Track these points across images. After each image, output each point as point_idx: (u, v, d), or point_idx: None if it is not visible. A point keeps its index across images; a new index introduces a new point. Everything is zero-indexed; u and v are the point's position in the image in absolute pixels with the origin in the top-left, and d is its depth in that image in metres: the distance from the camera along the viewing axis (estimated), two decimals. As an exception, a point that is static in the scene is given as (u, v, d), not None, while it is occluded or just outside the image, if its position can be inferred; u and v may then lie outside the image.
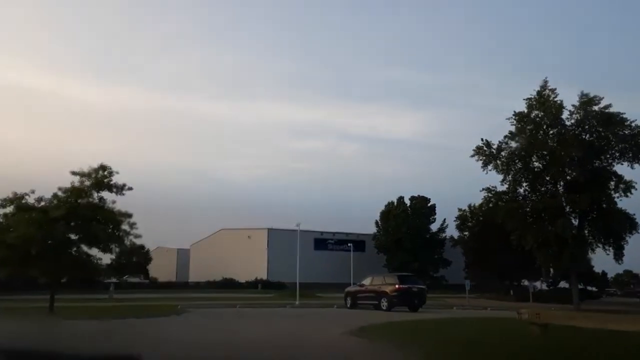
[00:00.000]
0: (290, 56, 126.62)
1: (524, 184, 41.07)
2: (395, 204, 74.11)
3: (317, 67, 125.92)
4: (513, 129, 41.45)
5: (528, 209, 39.89)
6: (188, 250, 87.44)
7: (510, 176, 41.10)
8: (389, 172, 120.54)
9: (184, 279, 79.98)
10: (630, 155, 39.14)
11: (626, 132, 38.91)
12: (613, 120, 39.22)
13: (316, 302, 37.15)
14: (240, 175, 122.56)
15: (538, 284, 59.43)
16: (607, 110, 39.44)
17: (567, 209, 39.22)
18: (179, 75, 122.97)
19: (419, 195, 74.48)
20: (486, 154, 41.64)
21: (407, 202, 74.06)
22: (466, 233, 73.16)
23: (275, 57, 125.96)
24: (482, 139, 42.01)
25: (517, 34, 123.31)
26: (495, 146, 41.69)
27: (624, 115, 39.14)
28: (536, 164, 41.05)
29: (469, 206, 73.54)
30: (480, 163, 41.77)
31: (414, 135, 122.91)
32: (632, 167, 39.39)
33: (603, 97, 39.58)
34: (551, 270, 52.14)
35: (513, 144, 41.51)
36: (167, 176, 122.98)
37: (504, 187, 41.41)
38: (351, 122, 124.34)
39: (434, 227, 73.78)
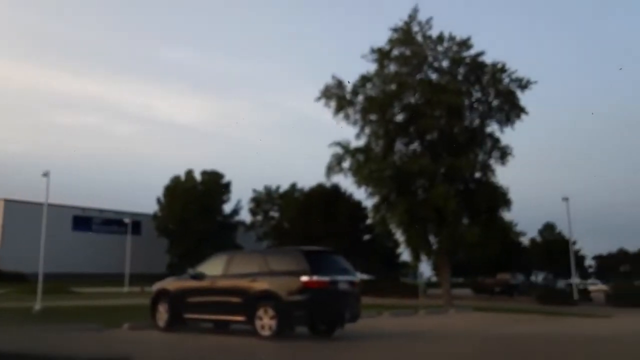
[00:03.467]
0: (52, 14, 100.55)
1: (383, 140, 29.64)
2: (184, 178, 58.42)
3: (88, 32, 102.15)
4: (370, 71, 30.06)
5: (391, 173, 28.39)
6: None
7: (367, 129, 29.49)
8: (171, 155, 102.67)
9: None
10: (503, 114, 30.24)
11: (500, 87, 29.84)
12: (487, 70, 30.04)
13: (71, 304, 19.99)
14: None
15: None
16: (479, 60, 30.12)
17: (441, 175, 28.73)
18: None
19: (212, 170, 59.87)
20: (339, 96, 29.48)
21: (199, 177, 59.01)
22: (259, 217, 62.80)
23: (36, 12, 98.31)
24: (332, 76, 29.83)
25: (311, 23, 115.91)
26: (349, 88, 29.81)
27: (501, 66, 29.98)
28: (399, 116, 30.03)
29: (266, 188, 62.91)
30: (329, 111, 29.69)
31: (197, 121, 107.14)
32: (501, 131, 30.48)
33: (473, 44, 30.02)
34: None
35: (370, 88, 30.03)
36: None
37: (359, 143, 29.68)
38: (128, 99, 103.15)
39: (228, 208, 60.38)
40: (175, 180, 58.03)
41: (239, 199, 61.16)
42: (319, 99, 29.57)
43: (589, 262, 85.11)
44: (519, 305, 29.51)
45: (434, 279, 58.33)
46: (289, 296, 9.96)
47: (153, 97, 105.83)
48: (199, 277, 11.33)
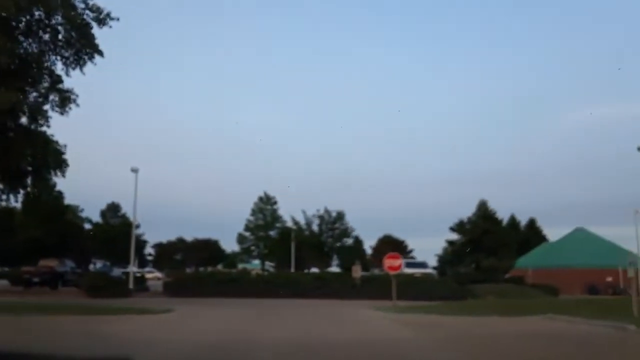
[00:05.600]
0: None
1: None
2: None
3: None
4: None
5: None
6: None
7: None
8: None
9: None
10: (73, 51, 22.66)
11: (72, 14, 22.21)
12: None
13: None
14: None
15: None
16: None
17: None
18: None
19: None
20: None
21: None
22: None
23: None
24: None
25: None
26: None
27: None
28: None
29: None
30: None
31: None
32: (67, 74, 22.82)
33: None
34: None
35: None
36: None
37: None
38: None
39: None
40: None
41: None
42: None
43: (148, 250, 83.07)
44: (61, 299, 22.15)
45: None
46: None
47: None
48: None
